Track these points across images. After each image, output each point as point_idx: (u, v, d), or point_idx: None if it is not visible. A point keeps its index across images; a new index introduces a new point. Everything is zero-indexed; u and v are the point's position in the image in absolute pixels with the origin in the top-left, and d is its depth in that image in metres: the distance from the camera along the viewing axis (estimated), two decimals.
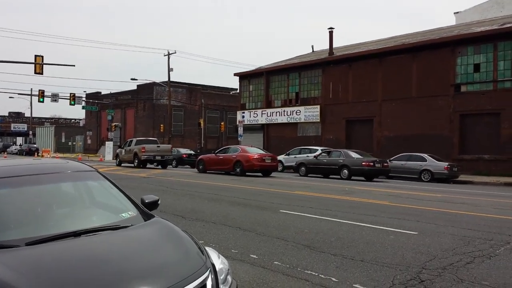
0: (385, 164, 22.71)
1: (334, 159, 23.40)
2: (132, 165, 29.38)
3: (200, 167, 24.65)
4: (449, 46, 28.04)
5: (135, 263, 2.81)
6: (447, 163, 22.50)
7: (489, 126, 26.04)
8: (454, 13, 46.00)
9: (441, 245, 6.65)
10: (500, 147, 25.38)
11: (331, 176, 23.45)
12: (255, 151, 23.46)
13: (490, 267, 5.48)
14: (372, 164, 21.91)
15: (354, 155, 23.14)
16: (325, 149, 26.53)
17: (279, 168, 27.76)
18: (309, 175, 24.22)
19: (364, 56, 32.72)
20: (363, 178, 22.35)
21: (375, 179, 22.34)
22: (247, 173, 22.32)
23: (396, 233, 7.51)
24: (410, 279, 4.96)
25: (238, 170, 22.35)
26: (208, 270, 2.93)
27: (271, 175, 23.24)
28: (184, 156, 34.14)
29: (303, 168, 24.72)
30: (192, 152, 36.27)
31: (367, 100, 31.94)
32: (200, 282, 2.78)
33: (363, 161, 22.13)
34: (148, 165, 29.99)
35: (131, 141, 31.46)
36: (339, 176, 22.70)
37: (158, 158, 28.88)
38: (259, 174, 22.79)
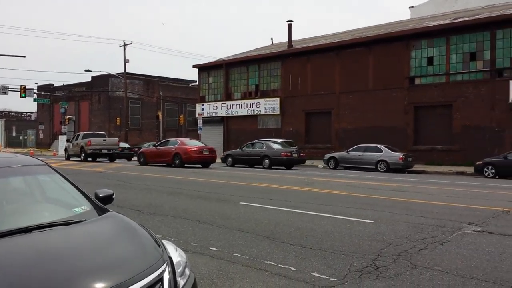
0: (302, 154, 25.24)
1: (257, 150, 25.10)
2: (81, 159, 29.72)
3: (141, 159, 25.46)
4: (403, 39, 28.86)
5: (89, 258, 2.73)
6: (402, 154, 23.24)
7: (442, 117, 27.07)
8: (409, 7, 47.36)
9: (396, 232, 6.86)
10: (452, 137, 26.46)
11: (256, 166, 24.84)
12: (193, 144, 24.59)
13: (442, 253, 5.70)
14: (290, 154, 24.10)
15: (275, 146, 24.96)
16: (259, 141, 27.42)
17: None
18: (235, 165, 25.59)
19: (321, 49, 33.16)
20: (283, 168, 24.23)
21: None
22: (186, 165, 23.23)
23: (353, 222, 7.69)
24: (366, 266, 5.09)
25: (177, 162, 23.34)
26: (165, 263, 2.88)
27: (210, 166, 24.20)
28: (119, 150, 33.58)
29: (230, 159, 26.20)
30: (127, 145, 36.69)
31: (325, 93, 32.42)
32: (157, 276, 2.72)
33: (281, 152, 24.13)
34: (104, 160, 29.78)
35: (79, 135, 31.85)
36: (261, 166, 24.32)
37: (104, 151, 29.38)
38: (199, 166, 23.85)
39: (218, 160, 26.45)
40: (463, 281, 4.61)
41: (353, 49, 31.26)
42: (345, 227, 7.22)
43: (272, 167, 23.96)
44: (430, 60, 27.87)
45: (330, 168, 25.17)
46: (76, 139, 31.02)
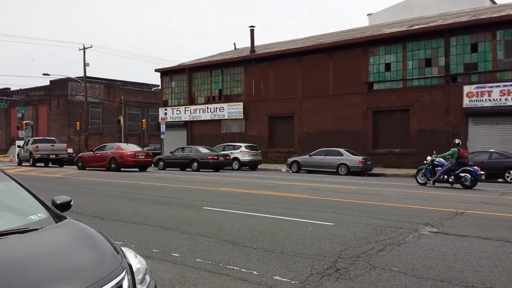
0: (227, 157, 26.79)
1: (187, 154, 26.83)
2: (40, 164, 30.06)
3: (79, 164, 26.10)
4: (362, 46, 29.62)
5: (46, 267, 2.66)
6: (361, 157, 23.78)
7: (400, 121, 27.92)
8: (367, 14, 48.65)
9: (356, 234, 7.02)
10: (409, 141, 27.31)
11: (186, 169, 26.29)
12: (129, 148, 25.79)
13: (400, 254, 5.88)
14: (216, 157, 25.77)
15: (203, 150, 26.78)
16: (228, 144, 29.32)
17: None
18: (166, 168, 27.10)
19: (283, 55, 33.54)
20: (212, 170, 25.62)
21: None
22: (121, 169, 24.16)
23: (315, 224, 7.81)
24: (327, 268, 5.19)
25: (113, 166, 24.20)
26: (125, 271, 2.85)
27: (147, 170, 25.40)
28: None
29: (161, 162, 27.81)
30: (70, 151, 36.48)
31: (287, 97, 32.78)
32: (116, 283, 2.69)
33: (208, 155, 25.69)
34: (66, 166, 29.25)
35: (29, 140, 32.54)
36: (191, 169, 25.85)
37: (52, 156, 30.02)
38: (136, 169, 24.89)
39: None
40: (419, 281, 4.76)
41: (314, 55, 31.79)
42: (306, 230, 7.33)
43: (201, 169, 25.47)
44: (387, 66, 28.71)
45: (293, 172, 25.44)
46: (27, 145, 31.48)
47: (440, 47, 26.77)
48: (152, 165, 27.48)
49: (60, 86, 49.20)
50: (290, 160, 26.62)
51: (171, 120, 39.22)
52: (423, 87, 27.30)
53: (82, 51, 43.17)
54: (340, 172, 23.58)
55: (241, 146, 28.63)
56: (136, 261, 3.14)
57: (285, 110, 33.05)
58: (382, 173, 24.22)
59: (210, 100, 38.01)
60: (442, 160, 16.86)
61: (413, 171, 24.08)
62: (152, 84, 60.62)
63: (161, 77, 41.79)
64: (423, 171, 17.34)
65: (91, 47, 43.47)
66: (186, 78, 39.39)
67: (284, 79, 33.09)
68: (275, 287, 4.56)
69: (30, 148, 30.09)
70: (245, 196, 12.17)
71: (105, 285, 2.60)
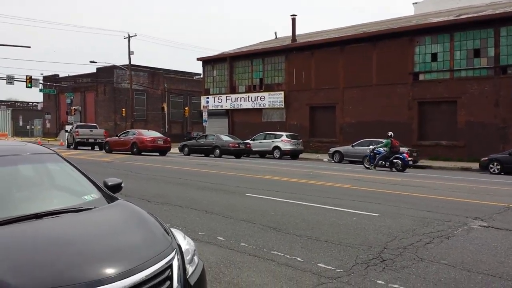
0: (248, 145, 27.58)
1: (210, 141, 27.89)
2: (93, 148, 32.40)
3: (107, 147, 28.15)
4: (407, 35, 28.69)
5: (99, 244, 2.75)
6: (407, 149, 23.16)
7: (447, 113, 26.95)
8: (413, 3, 47.04)
9: (402, 226, 6.87)
10: (457, 133, 26.36)
11: (210, 155, 27.26)
12: (149, 134, 27.46)
13: (448, 247, 5.70)
14: (237, 145, 26.75)
15: (224, 138, 27.95)
16: (268, 134, 29.89)
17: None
18: (191, 154, 28.21)
19: (326, 44, 33.00)
20: (232, 157, 26.58)
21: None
22: (142, 153, 25.93)
23: (359, 215, 7.70)
24: (372, 258, 5.11)
25: (135, 149, 25.99)
26: (174, 251, 2.90)
27: (167, 154, 26.93)
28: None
29: (186, 148, 28.95)
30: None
31: (329, 87, 32.32)
32: (166, 263, 2.75)
33: (230, 143, 26.77)
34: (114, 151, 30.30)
35: (73, 126, 35.61)
36: (213, 155, 26.92)
37: (91, 140, 32.82)
38: (157, 153, 26.55)
39: (176, 150, 29.88)
40: (469, 275, 4.62)
41: (357, 44, 31.10)
42: (350, 220, 7.24)
43: (222, 156, 26.52)
44: (434, 56, 27.70)
45: (335, 162, 25.15)
46: (71, 130, 34.73)
47: (489, 37, 25.53)
48: (178, 151, 29.43)
49: (106, 73, 50.62)
50: (332, 150, 26.32)
51: (213, 108, 39.60)
52: (471, 78, 26.18)
53: (127, 39, 44.19)
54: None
55: (282, 135, 28.59)
56: (185, 242, 3.19)
57: (326, 100, 32.63)
58: (428, 165, 23.53)
59: (251, 89, 38.05)
60: (380, 149, 20.36)
61: (461, 164, 23.44)
62: (194, 73, 61.39)
63: (203, 66, 42.18)
64: (367, 158, 21.04)
65: (136, 35, 44.41)
66: (227, 67, 39.58)
67: (325, 69, 32.62)
68: (319, 274, 4.53)
69: (73, 133, 33.31)
70: (287, 184, 12.15)
71: (155, 263, 2.67)
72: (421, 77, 28.31)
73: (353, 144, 25.23)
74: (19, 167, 3.76)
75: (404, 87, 28.60)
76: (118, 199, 3.67)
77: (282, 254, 5.18)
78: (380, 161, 19.86)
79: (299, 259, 5.02)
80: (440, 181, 14.66)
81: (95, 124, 36.92)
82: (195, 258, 3.15)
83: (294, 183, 12.69)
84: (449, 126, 26.72)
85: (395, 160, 19.41)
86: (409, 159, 19.75)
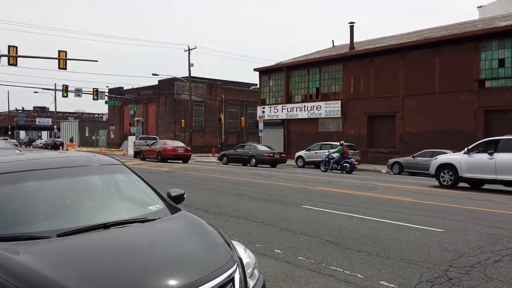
0: (283, 155, 29.65)
1: (246, 151, 29.44)
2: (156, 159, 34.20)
3: (140, 156, 32.23)
4: (472, 40, 27.42)
5: (164, 255, 2.83)
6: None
7: None
8: (478, 7, 44.97)
9: (468, 243, 6.53)
10: None
11: (247, 164, 28.59)
12: (172, 144, 30.80)
13: None
14: (272, 155, 28.35)
15: (260, 148, 29.62)
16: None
17: (300, 164, 30.05)
18: (229, 163, 29.85)
19: (385, 51, 32.27)
20: (269, 166, 27.91)
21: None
22: (167, 160, 29.01)
23: (422, 230, 7.40)
24: (438, 276, 4.88)
25: (159, 157, 29.31)
26: (236, 264, 2.92)
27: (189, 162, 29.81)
28: None
29: (225, 158, 30.82)
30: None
31: (388, 95, 31.52)
32: (228, 276, 2.77)
33: (265, 153, 28.32)
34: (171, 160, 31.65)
35: (137, 137, 42.26)
36: (250, 164, 28.32)
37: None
38: (180, 161, 29.70)
39: (215, 159, 32.41)
40: None
41: (418, 50, 30.14)
42: (413, 235, 6.97)
43: (258, 165, 27.85)
44: (501, 62, 26.26)
45: (394, 174, 24.41)
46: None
47: None
48: (217, 160, 32.10)
49: (167, 85, 52.38)
50: (391, 160, 25.58)
51: (269, 118, 39.81)
52: None
53: (187, 52, 45.54)
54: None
55: (338, 145, 28.17)
56: (245, 255, 3.20)
57: (385, 109, 31.82)
58: None
59: (307, 98, 37.90)
60: (333, 154, 24.27)
61: None
62: (250, 83, 62.13)
63: (259, 76, 42.62)
64: (323, 162, 24.80)
65: (195, 48, 45.68)
66: (284, 76, 39.70)
67: (385, 77, 31.86)
68: None
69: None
70: (344, 196, 11.93)
71: (217, 277, 2.69)
72: (488, 84, 26.92)
73: (414, 155, 24.37)
74: (88, 177, 3.95)
75: (469, 94, 27.32)
76: (181, 210, 3.76)
77: (341, 270, 5.08)
78: (334, 165, 23.80)
79: (359, 275, 4.89)
80: (508, 195, 13.80)
81: (155, 136, 40.97)
82: (256, 271, 3.15)
83: (351, 195, 12.44)
84: None
85: (344, 164, 23.37)
86: (355, 163, 24.08)
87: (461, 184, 15.96)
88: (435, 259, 5.59)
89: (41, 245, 2.79)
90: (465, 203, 11.12)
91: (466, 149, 15.90)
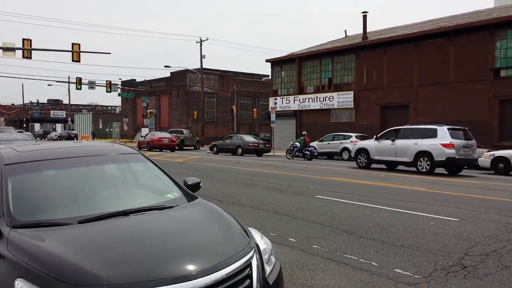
0: (267, 145, 31.19)
1: (234, 141, 31.29)
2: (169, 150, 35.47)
3: (138, 147, 33.19)
4: (488, 29, 26.97)
5: (182, 241, 2.88)
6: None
7: None
8: None
9: (483, 231, 6.51)
10: None
11: (236, 154, 30.10)
12: (158, 135, 34.59)
13: None
14: (257, 145, 30.26)
15: (246, 138, 31.41)
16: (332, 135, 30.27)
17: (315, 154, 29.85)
18: (219, 153, 31.30)
19: (399, 40, 31.89)
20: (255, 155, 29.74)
21: None
22: (153, 149, 32.04)
23: (436, 219, 7.38)
24: (453, 265, 4.89)
25: (148, 147, 32.66)
26: (253, 250, 2.96)
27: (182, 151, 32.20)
28: None
29: (215, 148, 32.34)
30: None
31: (402, 85, 31.23)
32: (246, 261, 2.81)
33: (250, 143, 30.16)
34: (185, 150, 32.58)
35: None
36: (233, 154, 30.08)
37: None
38: (168, 150, 32.64)
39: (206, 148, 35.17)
40: None
41: (433, 39, 29.73)
42: (427, 224, 6.96)
43: (244, 154, 29.68)
44: None
45: None
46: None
47: None
48: (209, 150, 33.96)
49: (179, 77, 52.53)
50: None
51: (281, 109, 39.73)
52: None
53: (199, 44, 45.55)
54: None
55: (351, 136, 28.07)
56: (262, 242, 3.25)
57: (399, 99, 31.55)
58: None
59: (319, 89, 37.72)
60: (296, 143, 27.23)
61: None
62: (262, 74, 62.01)
63: (271, 67, 42.47)
64: (288, 150, 27.64)
65: (207, 39, 45.64)
66: (296, 67, 39.52)
67: (398, 66, 31.55)
68: (396, 280, 4.42)
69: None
70: (357, 186, 11.92)
71: (235, 262, 2.74)
72: (503, 73, 26.50)
73: None
74: (106, 166, 4.03)
75: (483, 84, 26.94)
76: (197, 197, 3.81)
77: (356, 258, 5.11)
78: (296, 152, 26.64)
79: (374, 263, 4.92)
80: None
81: (181, 130, 42.71)
82: (272, 257, 3.20)
83: (365, 185, 12.42)
84: None
85: (305, 152, 26.26)
86: (315, 151, 26.65)
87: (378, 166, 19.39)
88: (450, 247, 5.59)
89: (63, 231, 2.86)
90: (480, 193, 11.04)
91: (375, 136, 19.69)
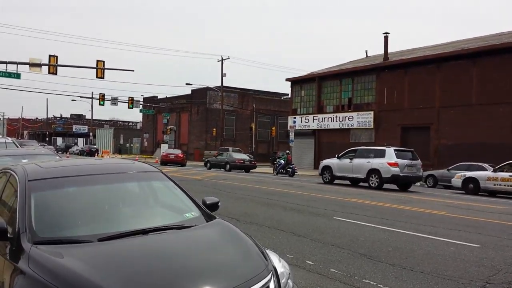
0: (253, 162, 34.19)
1: (223, 158, 34.14)
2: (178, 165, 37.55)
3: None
4: (511, 51, 26.66)
5: (200, 262, 2.89)
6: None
7: None
8: None
9: (506, 259, 6.34)
10: None
11: (222, 169, 32.83)
12: (168, 151, 39.04)
13: None
14: (243, 161, 33.22)
15: (234, 155, 34.10)
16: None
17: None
18: (212, 168, 33.68)
19: (420, 62, 31.75)
20: (243, 171, 32.21)
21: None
22: (167, 164, 35.15)
23: (457, 245, 7.22)
24: None
25: (160, 162, 36.29)
26: (270, 273, 2.95)
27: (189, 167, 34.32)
28: None
29: (208, 164, 35.24)
30: None
31: (423, 107, 30.94)
32: (263, 285, 2.80)
33: (237, 160, 33.02)
34: (204, 169, 32.23)
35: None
36: (223, 169, 32.60)
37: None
38: (179, 165, 35.83)
39: (199, 163, 38.88)
40: None
41: (455, 61, 29.51)
42: (448, 250, 6.81)
43: (232, 170, 31.93)
44: None
45: (428, 187, 23.87)
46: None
47: None
48: (204, 165, 36.40)
49: (200, 95, 53.12)
50: (425, 173, 24.94)
51: (299, 128, 39.71)
52: None
53: (220, 62, 46.12)
54: None
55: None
56: (280, 265, 3.23)
57: (420, 120, 31.23)
58: None
59: (339, 109, 37.64)
60: (281, 161, 29.76)
61: None
62: (281, 93, 62.21)
63: (291, 86, 42.64)
64: (274, 167, 30.64)
65: (228, 58, 46.21)
66: (316, 87, 39.59)
67: (420, 87, 31.31)
68: None
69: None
70: (377, 209, 11.77)
71: (253, 285, 2.73)
72: None
73: (449, 168, 23.78)
74: (127, 184, 4.08)
75: (508, 106, 26.51)
76: (216, 217, 3.82)
77: (374, 284, 5.02)
78: (280, 169, 29.30)
79: None
80: None
81: (179, 150, 44.06)
82: (290, 282, 3.17)
83: (384, 207, 12.25)
84: None
85: (288, 169, 28.83)
86: (295, 169, 29.16)
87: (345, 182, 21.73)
88: (471, 275, 5.45)
89: (83, 249, 2.90)
90: (502, 218, 10.77)
91: (336, 155, 22.13)
